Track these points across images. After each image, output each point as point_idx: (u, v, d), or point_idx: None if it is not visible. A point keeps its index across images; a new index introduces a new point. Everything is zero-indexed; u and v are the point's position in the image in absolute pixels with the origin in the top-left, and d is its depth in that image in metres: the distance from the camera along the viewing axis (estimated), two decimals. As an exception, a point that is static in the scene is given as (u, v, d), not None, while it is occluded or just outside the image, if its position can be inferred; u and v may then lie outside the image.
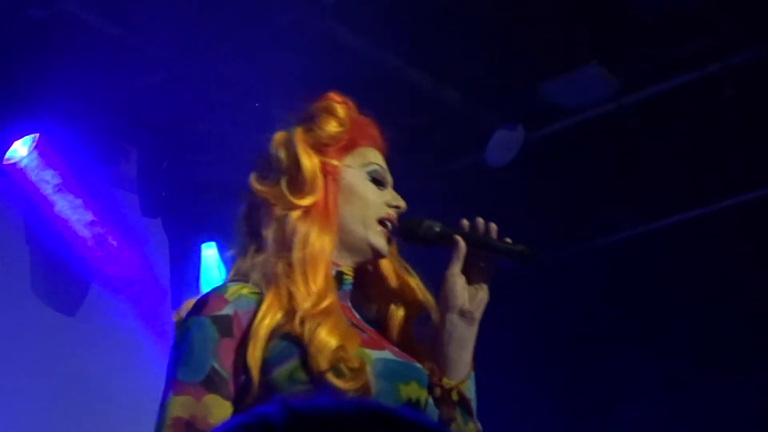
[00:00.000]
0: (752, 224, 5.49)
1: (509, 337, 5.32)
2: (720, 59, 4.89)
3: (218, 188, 4.79)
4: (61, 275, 4.79)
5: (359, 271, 2.38)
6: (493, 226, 2.36)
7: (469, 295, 2.35)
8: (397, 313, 2.38)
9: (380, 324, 2.37)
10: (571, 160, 5.43)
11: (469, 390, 2.33)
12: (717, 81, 4.93)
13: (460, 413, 2.29)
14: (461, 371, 2.32)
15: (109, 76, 4.68)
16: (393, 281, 2.41)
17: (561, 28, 4.73)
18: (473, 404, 2.33)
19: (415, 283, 2.41)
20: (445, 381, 2.30)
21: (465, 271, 2.35)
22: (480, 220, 2.37)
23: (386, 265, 2.41)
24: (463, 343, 2.33)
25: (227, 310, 2.18)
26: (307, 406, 0.97)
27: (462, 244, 2.33)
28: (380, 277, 2.41)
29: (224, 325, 2.16)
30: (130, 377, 4.65)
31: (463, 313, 2.33)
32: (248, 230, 2.35)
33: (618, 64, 5.00)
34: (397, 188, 2.45)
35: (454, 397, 2.29)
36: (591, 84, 5.03)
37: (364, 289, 2.40)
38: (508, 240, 2.36)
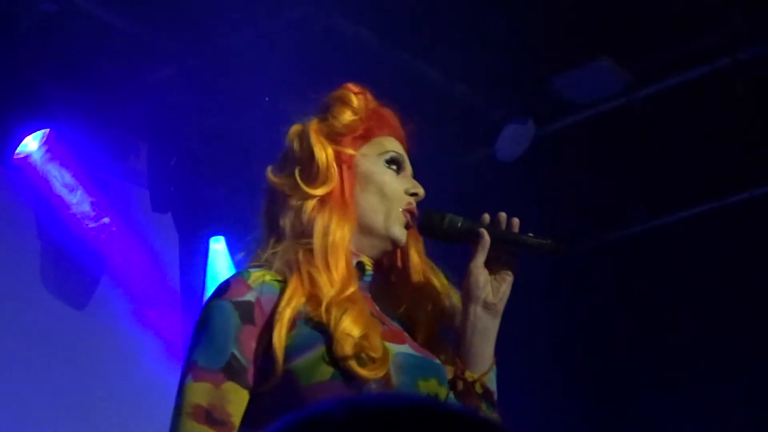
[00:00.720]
0: (763, 219, 5.48)
1: (523, 330, 5.32)
2: (731, 54, 4.88)
3: (228, 183, 4.80)
4: (70, 269, 4.80)
5: (384, 264, 2.38)
6: (516, 221, 2.37)
7: (492, 288, 2.36)
8: (422, 312, 2.38)
9: (404, 320, 2.37)
10: (582, 155, 5.43)
11: (492, 382, 2.34)
12: (728, 75, 4.92)
13: (484, 406, 2.30)
14: (484, 364, 2.33)
15: (119, 70, 4.69)
16: (419, 279, 2.40)
17: (572, 22, 4.73)
18: (495, 397, 2.34)
19: (440, 284, 2.41)
20: (468, 374, 2.31)
21: (487, 265, 2.36)
22: (502, 215, 2.37)
23: (414, 262, 2.40)
24: (486, 335, 2.34)
25: (249, 297, 2.17)
26: (366, 402, 0.97)
27: (486, 236, 2.33)
28: (407, 274, 2.40)
29: (246, 311, 2.16)
30: (138, 371, 4.66)
31: (487, 306, 2.34)
32: (269, 223, 2.35)
33: (629, 58, 4.99)
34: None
35: (478, 389, 2.30)
36: (601, 78, 5.03)
37: (389, 284, 2.39)
38: (531, 234, 2.37)
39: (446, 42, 4.82)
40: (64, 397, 4.57)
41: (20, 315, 4.58)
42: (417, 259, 2.40)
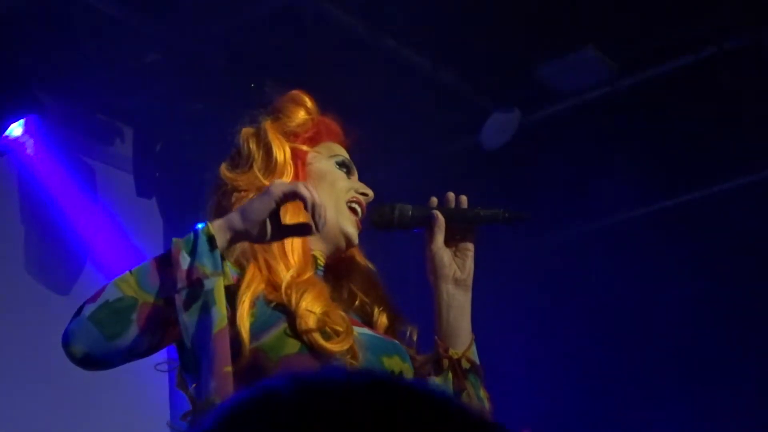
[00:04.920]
0: (748, 208, 5.50)
1: (506, 319, 5.34)
2: (716, 43, 4.89)
3: (212, 169, 4.78)
4: (55, 254, 4.79)
5: (332, 262, 2.43)
6: (464, 198, 2.44)
7: (457, 265, 2.42)
8: (375, 308, 2.42)
9: (359, 315, 2.41)
10: (567, 144, 5.43)
11: (476, 356, 2.40)
12: (713, 65, 4.92)
13: (471, 381, 2.36)
14: (465, 339, 2.39)
15: (106, 55, 4.67)
16: (366, 276, 2.46)
17: (557, 11, 4.73)
18: (481, 369, 2.40)
19: (379, 280, 2.47)
20: (452, 351, 2.37)
21: (444, 244, 2.43)
22: (451, 194, 2.44)
23: (359, 260, 2.47)
24: (462, 310, 2.40)
25: None
26: (314, 378, 0.96)
27: (440, 216, 2.40)
28: (354, 271, 2.46)
29: None
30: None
31: (458, 282, 2.41)
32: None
33: (614, 47, 5.00)
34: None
35: (465, 365, 2.36)
36: (587, 67, 5.03)
37: (339, 282, 2.44)
38: (479, 208, 2.43)
39: (433, 30, 4.82)
40: (46, 380, 4.56)
41: (3, 300, 4.57)
42: (360, 257, 2.47)
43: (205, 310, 2.05)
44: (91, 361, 2.11)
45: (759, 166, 5.48)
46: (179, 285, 2.06)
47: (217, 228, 2.15)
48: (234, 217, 2.17)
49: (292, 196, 2.15)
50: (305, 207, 2.15)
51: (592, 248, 5.91)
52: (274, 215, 2.16)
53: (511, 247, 5.62)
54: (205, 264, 2.08)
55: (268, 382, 0.97)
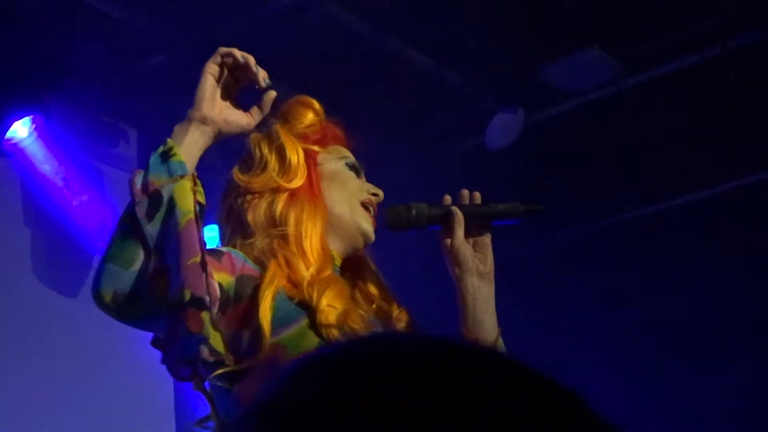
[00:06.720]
0: (752, 207, 5.50)
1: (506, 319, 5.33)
2: (720, 42, 4.88)
3: (219, 171, 4.78)
4: (61, 256, 4.79)
5: (346, 263, 2.45)
6: (477, 194, 2.47)
7: (478, 259, 2.46)
8: (393, 312, 2.44)
9: (378, 318, 2.42)
10: (572, 144, 5.43)
11: (503, 346, 2.45)
12: (717, 64, 4.92)
13: None
14: (492, 331, 2.44)
15: (109, 56, 4.68)
16: (380, 281, 2.49)
17: (562, 10, 4.73)
18: None
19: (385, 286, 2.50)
20: (483, 343, 2.37)
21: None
22: (464, 191, 2.48)
23: (371, 264, 2.50)
24: (488, 302, 2.45)
25: (222, 249, 2.30)
26: (385, 339, 0.96)
27: (459, 212, 2.43)
28: (369, 276, 2.49)
29: (214, 252, 2.26)
30: (130, 359, 4.65)
31: (482, 275, 2.45)
32: (232, 224, 2.44)
33: (619, 46, 4.99)
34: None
35: None
36: (591, 67, 5.03)
37: (356, 285, 2.46)
38: (494, 203, 2.47)
39: (437, 30, 4.82)
40: (54, 384, 4.56)
41: (10, 304, 4.56)
42: (371, 262, 2.51)
43: (169, 214, 2.14)
44: (123, 300, 2.17)
45: (764, 166, 5.48)
46: (137, 199, 2.16)
47: (176, 131, 2.28)
48: (188, 111, 2.29)
49: (218, 59, 2.31)
50: (237, 65, 2.30)
51: (597, 248, 5.91)
52: (231, 103, 2.30)
53: (513, 246, 5.62)
54: (160, 174, 2.18)
55: (342, 342, 0.97)
